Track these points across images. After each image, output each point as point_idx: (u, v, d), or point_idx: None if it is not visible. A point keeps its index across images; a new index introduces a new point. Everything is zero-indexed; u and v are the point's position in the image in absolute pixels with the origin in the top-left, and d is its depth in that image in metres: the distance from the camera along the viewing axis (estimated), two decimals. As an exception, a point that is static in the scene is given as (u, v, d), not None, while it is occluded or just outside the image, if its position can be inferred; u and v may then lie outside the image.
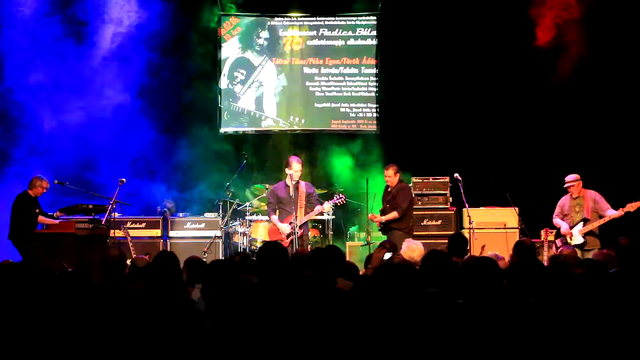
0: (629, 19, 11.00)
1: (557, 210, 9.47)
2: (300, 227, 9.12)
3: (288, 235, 9.13)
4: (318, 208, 9.30)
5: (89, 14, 11.55)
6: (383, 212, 9.48)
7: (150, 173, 11.71)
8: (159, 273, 4.31)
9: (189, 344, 3.84)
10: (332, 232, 10.89)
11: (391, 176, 9.49)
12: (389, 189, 9.55)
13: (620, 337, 3.85)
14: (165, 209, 11.24)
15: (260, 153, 12.49)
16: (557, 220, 9.42)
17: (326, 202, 9.49)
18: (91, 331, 3.91)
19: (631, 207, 8.81)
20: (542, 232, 9.44)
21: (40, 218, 9.89)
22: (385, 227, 9.40)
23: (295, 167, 9.20)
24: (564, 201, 9.43)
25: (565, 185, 9.36)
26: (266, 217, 10.76)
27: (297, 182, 9.28)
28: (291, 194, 9.19)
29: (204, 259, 7.72)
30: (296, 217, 9.09)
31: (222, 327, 3.84)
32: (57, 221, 9.99)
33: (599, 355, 3.77)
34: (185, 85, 12.18)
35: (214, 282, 4.18)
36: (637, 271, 5.01)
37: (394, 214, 9.30)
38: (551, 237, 9.54)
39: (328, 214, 10.34)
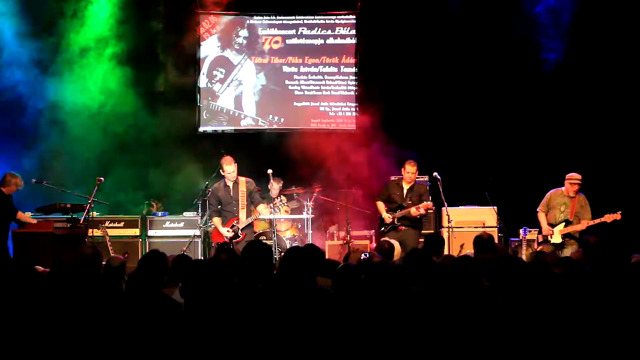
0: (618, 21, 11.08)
1: (544, 201, 9.30)
2: (243, 230, 8.88)
3: (231, 239, 8.85)
4: (256, 210, 8.97)
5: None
6: (401, 208, 9.44)
7: (128, 172, 11.57)
8: (143, 273, 4.26)
9: (169, 344, 3.80)
10: (310, 231, 10.85)
11: (415, 172, 9.51)
12: (409, 185, 9.56)
13: (597, 331, 3.90)
14: (151, 206, 11.19)
15: (239, 152, 12.39)
16: (540, 216, 9.28)
17: (261, 204, 9.08)
18: (69, 330, 3.87)
19: (608, 218, 8.85)
20: (520, 231, 9.48)
21: (19, 214, 9.62)
22: (395, 225, 9.39)
23: (227, 170, 8.90)
24: (554, 195, 9.25)
25: (572, 182, 9.09)
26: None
27: (236, 181, 8.98)
28: (231, 194, 8.96)
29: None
30: (238, 219, 8.89)
31: (203, 327, 3.81)
32: (26, 220, 9.75)
33: (576, 349, 3.81)
34: (163, 83, 12.10)
35: (197, 282, 4.15)
36: (605, 268, 5.11)
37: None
38: (530, 236, 9.57)
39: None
